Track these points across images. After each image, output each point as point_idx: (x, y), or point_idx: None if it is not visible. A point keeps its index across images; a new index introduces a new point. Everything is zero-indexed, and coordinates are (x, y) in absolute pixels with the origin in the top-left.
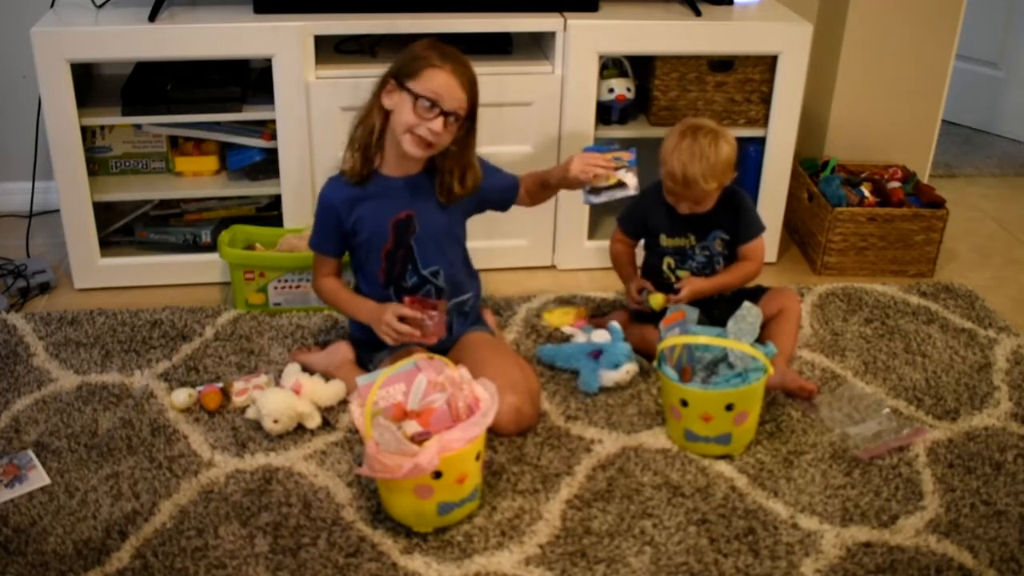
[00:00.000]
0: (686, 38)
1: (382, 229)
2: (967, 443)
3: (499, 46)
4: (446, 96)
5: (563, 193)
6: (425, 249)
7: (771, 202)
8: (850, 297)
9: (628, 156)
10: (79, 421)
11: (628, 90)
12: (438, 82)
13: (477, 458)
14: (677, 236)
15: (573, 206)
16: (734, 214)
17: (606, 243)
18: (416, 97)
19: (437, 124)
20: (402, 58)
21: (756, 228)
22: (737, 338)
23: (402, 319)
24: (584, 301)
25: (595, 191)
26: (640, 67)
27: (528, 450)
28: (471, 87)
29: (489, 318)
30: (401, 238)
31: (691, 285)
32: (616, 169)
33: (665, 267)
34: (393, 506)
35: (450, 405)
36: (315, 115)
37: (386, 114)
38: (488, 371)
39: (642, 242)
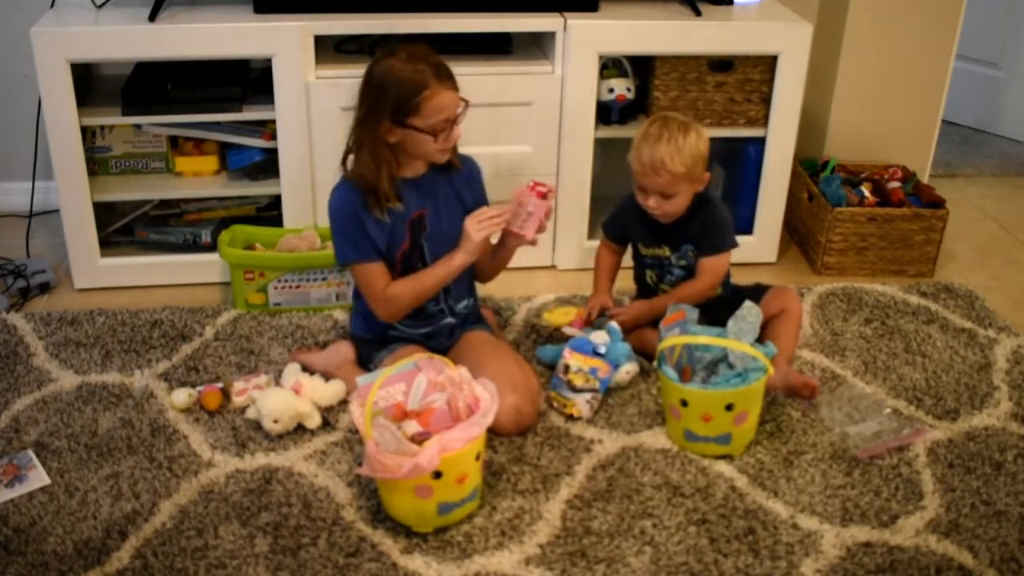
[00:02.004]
0: (686, 38)
1: (400, 230)
2: (967, 443)
3: (499, 46)
4: (450, 109)
5: (563, 194)
6: (434, 248)
7: (771, 202)
8: (850, 297)
9: (606, 372)
10: (79, 421)
11: (628, 90)
12: (438, 105)
13: (477, 458)
14: (652, 247)
15: (573, 207)
16: (704, 226)
17: None
18: (432, 132)
19: (456, 131)
20: (391, 96)
21: (721, 243)
22: (737, 338)
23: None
24: (584, 301)
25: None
26: (640, 67)
27: (528, 450)
28: (452, 78)
29: (489, 318)
30: (416, 238)
31: (631, 309)
32: (578, 388)
33: (648, 280)
34: (393, 506)
35: (450, 405)
36: (315, 115)
37: (393, 143)
38: (488, 371)
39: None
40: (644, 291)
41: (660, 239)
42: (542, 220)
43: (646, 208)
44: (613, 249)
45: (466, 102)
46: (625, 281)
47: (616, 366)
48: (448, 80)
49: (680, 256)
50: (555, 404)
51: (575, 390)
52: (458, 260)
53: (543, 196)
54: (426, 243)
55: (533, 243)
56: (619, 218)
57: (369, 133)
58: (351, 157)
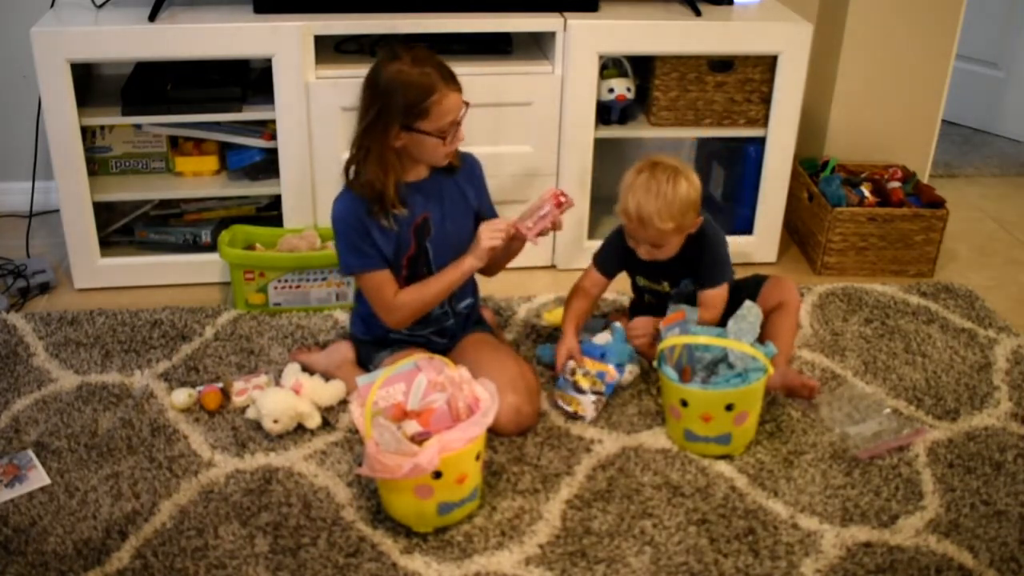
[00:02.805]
0: (686, 38)
1: (406, 236)
2: (967, 443)
3: (499, 46)
4: (456, 111)
5: None
6: (438, 252)
7: (771, 202)
8: (850, 297)
9: (612, 376)
10: (79, 421)
11: (628, 90)
12: (446, 108)
13: (477, 458)
14: (653, 282)
15: (573, 207)
16: (704, 262)
17: None
18: (441, 135)
19: (462, 132)
20: (399, 101)
21: (720, 276)
22: (737, 338)
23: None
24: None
25: (577, 386)
26: (640, 67)
27: (528, 450)
28: (456, 79)
29: (489, 318)
30: (420, 242)
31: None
32: (584, 390)
33: (645, 300)
34: (393, 506)
35: (450, 405)
36: (315, 115)
37: (398, 147)
38: (488, 371)
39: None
40: (640, 303)
41: (660, 275)
42: (546, 226)
43: (636, 252)
44: (598, 285)
45: (467, 104)
46: (623, 282)
47: (618, 366)
48: (453, 82)
49: (679, 292)
50: (560, 402)
51: (580, 391)
52: (467, 264)
53: (558, 204)
54: (430, 246)
55: (534, 242)
56: (613, 253)
57: (376, 139)
58: (353, 166)
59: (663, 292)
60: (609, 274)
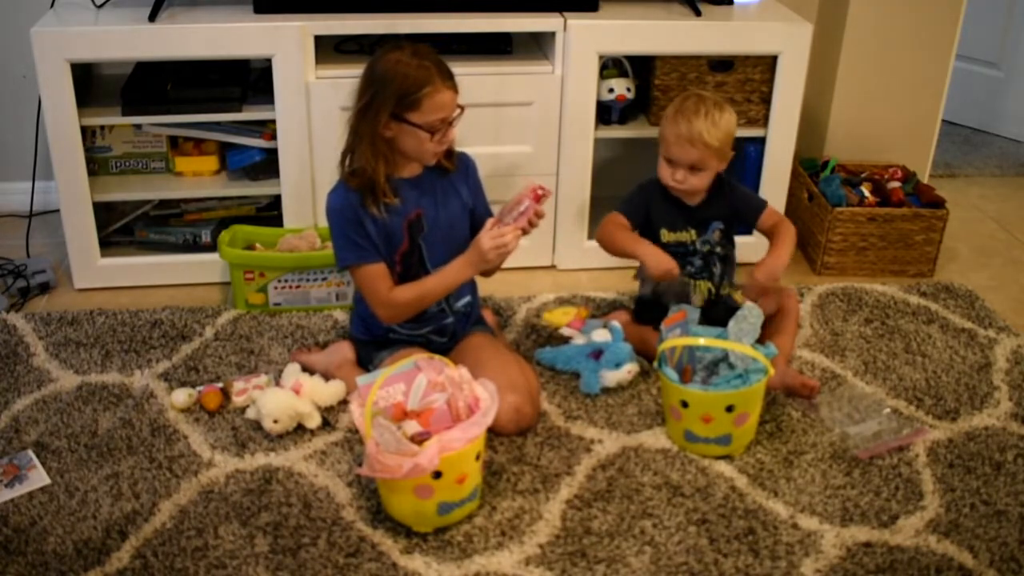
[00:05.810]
0: (686, 38)
1: (398, 230)
2: (967, 443)
3: (499, 46)
4: (448, 109)
5: (563, 193)
6: (433, 249)
7: (771, 202)
8: (850, 297)
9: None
10: (79, 421)
11: (628, 90)
12: (438, 103)
13: (477, 458)
14: (679, 230)
15: (573, 207)
16: (729, 202)
17: None
18: (429, 130)
19: (451, 133)
20: (393, 89)
21: (760, 199)
22: (738, 338)
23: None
24: (584, 301)
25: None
26: (640, 67)
27: (528, 450)
28: (454, 79)
29: (489, 318)
30: (414, 238)
31: (766, 270)
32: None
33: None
34: (393, 506)
35: (450, 405)
36: (315, 115)
37: (389, 138)
38: (488, 371)
39: None
40: (647, 301)
41: (687, 222)
42: (526, 224)
43: (672, 183)
44: (627, 226)
45: (461, 108)
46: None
47: (618, 365)
48: (450, 80)
49: (705, 240)
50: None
51: None
52: (464, 273)
53: (537, 199)
54: (424, 243)
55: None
56: (640, 202)
57: (367, 126)
58: (348, 159)
59: (688, 243)
60: (634, 220)
